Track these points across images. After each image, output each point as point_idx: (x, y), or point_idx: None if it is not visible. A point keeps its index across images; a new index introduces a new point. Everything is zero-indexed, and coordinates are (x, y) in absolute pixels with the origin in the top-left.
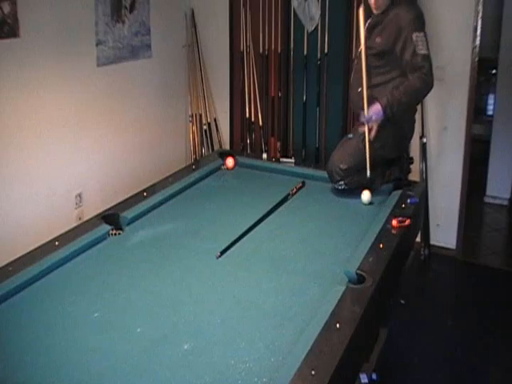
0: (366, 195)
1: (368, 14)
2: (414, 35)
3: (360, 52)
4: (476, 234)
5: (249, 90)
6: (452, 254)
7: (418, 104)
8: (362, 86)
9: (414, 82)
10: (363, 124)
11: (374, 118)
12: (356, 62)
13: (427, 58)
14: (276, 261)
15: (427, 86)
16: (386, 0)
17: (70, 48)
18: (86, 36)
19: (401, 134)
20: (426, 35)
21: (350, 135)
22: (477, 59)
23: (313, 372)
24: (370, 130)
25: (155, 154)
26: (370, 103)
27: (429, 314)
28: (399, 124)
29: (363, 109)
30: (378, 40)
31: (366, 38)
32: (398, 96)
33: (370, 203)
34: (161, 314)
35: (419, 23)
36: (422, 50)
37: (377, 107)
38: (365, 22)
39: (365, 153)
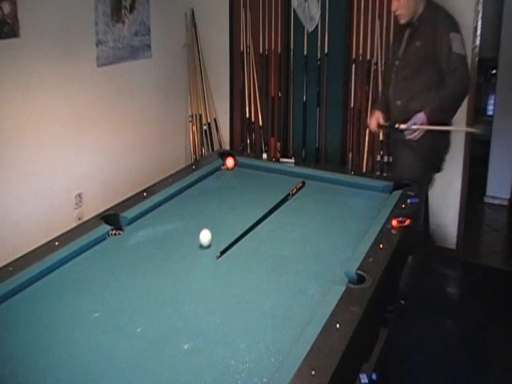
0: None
1: (405, 25)
2: (451, 34)
3: (397, 63)
4: (476, 234)
5: (249, 90)
6: (452, 254)
7: (458, 108)
8: (402, 99)
9: (451, 87)
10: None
11: (418, 122)
12: (395, 71)
13: (463, 58)
14: (276, 261)
15: (464, 89)
16: (410, 8)
17: (70, 48)
18: (85, 36)
19: (436, 148)
20: (462, 38)
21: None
22: (477, 59)
23: (313, 372)
24: (414, 132)
25: (155, 154)
26: (410, 117)
27: (429, 314)
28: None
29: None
30: (417, 44)
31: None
32: (440, 104)
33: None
34: (161, 314)
35: (456, 25)
36: (457, 50)
37: (421, 115)
38: (402, 31)
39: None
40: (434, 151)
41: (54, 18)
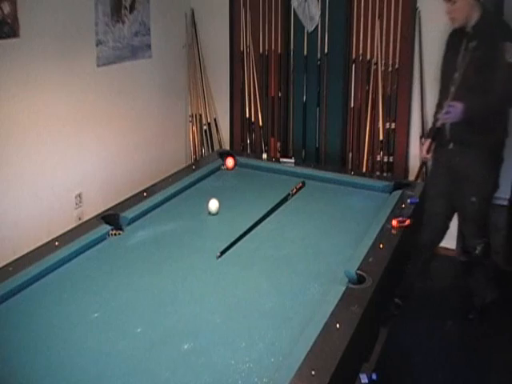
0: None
1: (459, 34)
2: (507, 44)
3: (456, 75)
4: None
5: (249, 90)
6: (452, 254)
7: (498, 110)
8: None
9: (495, 94)
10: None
11: (451, 110)
12: (455, 84)
13: None
14: (276, 261)
15: (508, 99)
16: (464, 13)
17: (69, 48)
18: (86, 36)
19: (495, 132)
20: None
21: (474, 199)
22: None
23: (313, 372)
24: (447, 114)
25: (155, 154)
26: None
27: (429, 314)
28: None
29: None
30: (476, 54)
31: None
32: (479, 105)
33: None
34: (161, 314)
35: None
36: (510, 59)
37: (458, 104)
38: (457, 41)
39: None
40: (495, 139)
41: (53, 18)
